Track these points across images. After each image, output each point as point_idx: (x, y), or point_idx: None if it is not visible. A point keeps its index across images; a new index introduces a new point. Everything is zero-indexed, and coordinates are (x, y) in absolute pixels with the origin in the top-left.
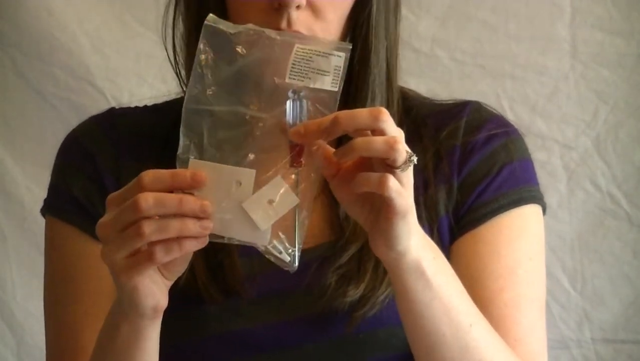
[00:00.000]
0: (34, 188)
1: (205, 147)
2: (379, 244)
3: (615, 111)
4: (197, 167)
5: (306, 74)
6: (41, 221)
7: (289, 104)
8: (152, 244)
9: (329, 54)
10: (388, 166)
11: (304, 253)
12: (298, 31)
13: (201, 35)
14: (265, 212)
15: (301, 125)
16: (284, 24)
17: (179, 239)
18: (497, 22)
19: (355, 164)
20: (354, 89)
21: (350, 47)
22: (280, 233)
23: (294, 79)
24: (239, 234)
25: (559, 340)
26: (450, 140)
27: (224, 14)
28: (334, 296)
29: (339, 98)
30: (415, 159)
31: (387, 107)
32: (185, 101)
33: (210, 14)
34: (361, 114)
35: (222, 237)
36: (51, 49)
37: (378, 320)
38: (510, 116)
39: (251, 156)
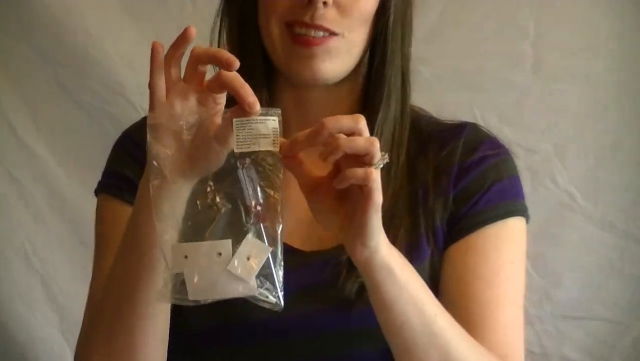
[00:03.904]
0: (74, 184)
1: (180, 231)
2: (355, 243)
3: (571, 120)
4: (180, 250)
5: (251, 140)
6: (79, 213)
7: (239, 172)
8: None
9: (265, 120)
10: (364, 164)
11: (323, 254)
12: (322, 26)
13: (148, 132)
14: (248, 268)
15: (289, 139)
16: (307, 18)
17: None
18: (471, 43)
19: (329, 176)
20: (373, 87)
21: (280, 111)
22: (262, 280)
23: (241, 148)
24: (230, 292)
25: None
26: (449, 158)
27: (256, 17)
28: (344, 284)
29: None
30: (387, 157)
31: (402, 110)
32: (151, 191)
33: (149, 112)
34: (344, 118)
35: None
36: (89, 65)
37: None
38: (481, 124)
39: (220, 226)
